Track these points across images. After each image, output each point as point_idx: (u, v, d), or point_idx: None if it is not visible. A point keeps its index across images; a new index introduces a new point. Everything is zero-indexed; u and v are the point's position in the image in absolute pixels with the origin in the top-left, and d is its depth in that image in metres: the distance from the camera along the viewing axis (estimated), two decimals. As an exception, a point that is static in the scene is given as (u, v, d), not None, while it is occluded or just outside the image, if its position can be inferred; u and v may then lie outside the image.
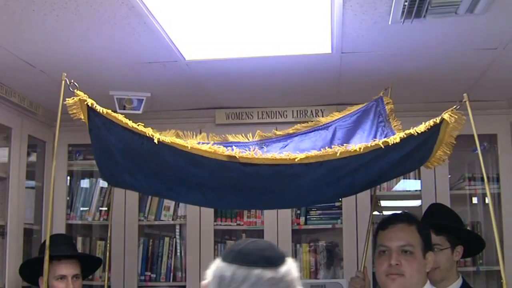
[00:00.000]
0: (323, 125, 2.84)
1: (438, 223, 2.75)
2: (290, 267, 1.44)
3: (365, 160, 2.31)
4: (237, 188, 2.45)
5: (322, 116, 3.21)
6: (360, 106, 2.89)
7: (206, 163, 2.28)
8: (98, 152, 2.56)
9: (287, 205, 3.07)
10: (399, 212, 2.53)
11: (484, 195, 3.90)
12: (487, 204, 3.90)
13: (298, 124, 2.91)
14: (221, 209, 3.81)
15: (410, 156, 2.40)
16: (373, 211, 3.11)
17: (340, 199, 3.84)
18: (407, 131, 2.29)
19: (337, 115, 2.88)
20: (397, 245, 2.29)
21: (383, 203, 3.97)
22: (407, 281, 2.26)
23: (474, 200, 3.95)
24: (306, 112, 3.80)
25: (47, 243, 2.31)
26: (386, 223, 2.38)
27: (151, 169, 2.48)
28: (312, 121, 2.93)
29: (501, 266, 2.34)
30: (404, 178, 3.93)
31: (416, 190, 3.87)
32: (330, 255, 3.96)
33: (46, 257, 2.22)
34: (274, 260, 1.42)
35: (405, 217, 2.40)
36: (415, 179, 3.91)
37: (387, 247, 2.32)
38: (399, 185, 3.96)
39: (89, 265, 3.15)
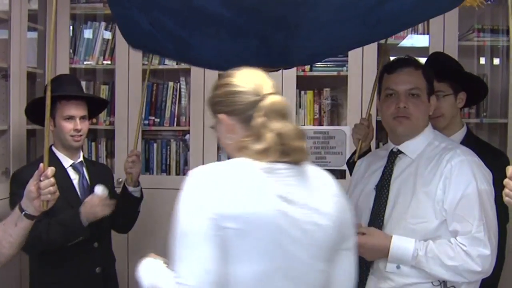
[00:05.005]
0: None
1: (440, 68, 2.71)
2: None
3: None
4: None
5: None
6: None
7: None
8: None
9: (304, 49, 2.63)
10: (403, 57, 2.51)
11: (493, 48, 3.82)
12: (495, 56, 3.90)
13: None
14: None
15: None
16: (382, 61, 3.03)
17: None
18: None
19: None
20: (405, 88, 2.31)
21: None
22: (414, 123, 2.31)
23: (482, 52, 3.89)
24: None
25: (49, 85, 2.26)
26: (393, 66, 2.38)
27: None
28: None
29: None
30: (411, 33, 3.84)
31: (423, 47, 3.77)
32: (335, 103, 3.97)
33: (48, 93, 2.18)
34: None
35: (412, 61, 2.40)
36: (424, 34, 3.82)
37: (395, 90, 2.33)
38: (406, 41, 3.86)
39: (95, 107, 3.14)
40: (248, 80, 1.74)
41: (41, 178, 2.07)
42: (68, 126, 2.87)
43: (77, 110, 2.90)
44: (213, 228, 1.55)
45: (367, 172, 2.51)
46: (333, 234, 1.72)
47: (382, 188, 2.35)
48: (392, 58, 3.73)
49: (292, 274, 1.65)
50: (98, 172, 3.01)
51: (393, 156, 2.39)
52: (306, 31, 2.36)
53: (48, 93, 2.15)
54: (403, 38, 3.85)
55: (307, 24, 2.32)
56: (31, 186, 2.08)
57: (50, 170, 2.08)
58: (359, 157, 2.74)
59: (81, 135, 2.92)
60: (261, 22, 2.31)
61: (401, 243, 2.18)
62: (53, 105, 2.82)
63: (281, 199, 1.62)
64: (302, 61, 2.79)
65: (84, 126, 2.92)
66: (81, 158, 2.99)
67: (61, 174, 2.84)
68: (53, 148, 2.93)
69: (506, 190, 1.83)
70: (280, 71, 3.70)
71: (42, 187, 2.07)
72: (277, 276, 1.63)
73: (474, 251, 2.11)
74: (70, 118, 2.88)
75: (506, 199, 1.84)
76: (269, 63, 2.46)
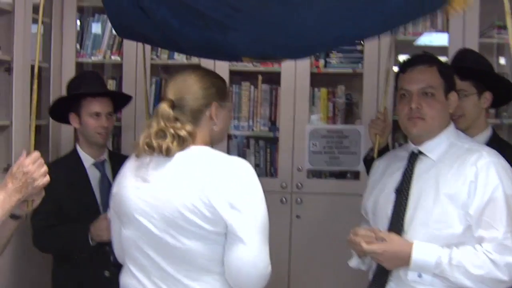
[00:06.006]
0: None
1: (462, 66, 2.60)
2: None
3: None
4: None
5: None
6: None
7: None
8: None
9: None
10: (419, 54, 2.40)
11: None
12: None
13: None
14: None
15: None
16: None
17: (362, 43, 3.65)
18: None
19: None
20: (418, 88, 2.20)
21: (405, 58, 3.72)
22: (429, 124, 2.20)
23: (502, 50, 3.71)
24: None
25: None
26: (405, 65, 2.28)
27: None
28: None
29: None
30: (430, 31, 3.70)
31: (441, 46, 3.64)
32: (349, 101, 3.85)
33: (35, 87, 2.10)
34: None
35: (425, 57, 2.31)
36: (442, 31, 3.68)
37: (407, 90, 2.23)
38: (424, 38, 3.73)
39: (118, 102, 3.12)
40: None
41: None
42: (94, 123, 2.88)
43: (102, 107, 2.90)
44: None
45: (386, 173, 2.39)
46: (175, 210, 1.87)
47: (402, 191, 2.23)
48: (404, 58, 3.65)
49: (149, 242, 1.93)
50: None
51: (414, 157, 2.27)
52: (305, 22, 2.17)
53: (35, 87, 2.07)
54: (420, 35, 3.72)
55: (307, 14, 2.16)
56: None
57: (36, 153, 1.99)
58: (378, 155, 2.64)
59: (107, 132, 2.93)
60: (255, 20, 2.19)
61: (423, 250, 2.07)
62: (77, 103, 2.89)
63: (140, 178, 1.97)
64: (300, 53, 2.65)
65: (110, 122, 2.94)
66: (104, 156, 2.98)
67: (78, 175, 2.90)
68: (77, 147, 2.96)
69: None
70: (294, 67, 3.64)
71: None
72: (141, 241, 1.95)
73: (501, 260, 1.99)
74: (97, 114, 2.88)
75: None
76: (264, 55, 2.40)
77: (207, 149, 1.98)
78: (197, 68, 2.23)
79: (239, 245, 1.85)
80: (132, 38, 2.67)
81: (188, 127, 1.96)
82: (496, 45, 3.68)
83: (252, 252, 1.86)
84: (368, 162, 2.75)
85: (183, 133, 1.94)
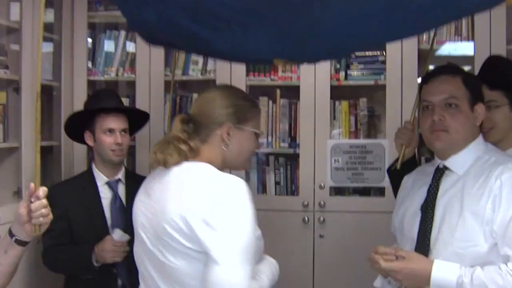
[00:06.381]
0: None
1: (492, 75, 2.47)
2: None
3: None
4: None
5: None
6: None
7: None
8: None
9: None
10: (443, 65, 2.28)
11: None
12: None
13: None
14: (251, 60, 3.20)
15: None
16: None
17: (384, 53, 3.51)
18: None
19: None
20: (440, 99, 2.11)
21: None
22: (453, 137, 2.10)
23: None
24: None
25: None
26: (428, 76, 2.20)
27: None
28: None
29: None
30: (454, 40, 3.53)
31: (466, 56, 3.46)
32: (372, 114, 3.70)
33: (38, 105, 1.98)
34: None
35: (448, 68, 2.20)
36: (468, 40, 3.51)
37: (430, 102, 2.14)
38: (445, 48, 3.55)
39: (136, 122, 3.07)
40: None
41: (32, 200, 1.84)
42: (108, 139, 2.85)
43: (117, 123, 2.87)
44: None
45: (413, 189, 2.29)
46: (161, 226, 1.84)
47: (427, 208, 2.13)
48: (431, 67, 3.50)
49: (147, 257, 1.92)
50: None
51: (439, 172, 2.18)
52: (325, 24, 2.07)
53: (38, 105, 1.91)
54: (442, 43, 3.55)
55: (327, 17, 2.04)
56: (21, 208, 1.86)
57: (42, 191, 1.86)
58: (404, 166, 2.53)
59: (122, 150, 2.87)
60: (274, 15, 2.06)
61: (444, 269, 1.96)
62: (92, 120, 2.86)
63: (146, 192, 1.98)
64: (321, 55, 2.56)
65: (125, 140, 2.89)
66: (120, 176, 2.92)
67: (89, 194, 2.86)
68: (93, 166, 2.93)
69: None
70: (313, 80, 3.53)
71: (33, 209, 1.85)
72: (143, 256, 1.95)
73: None
74: (110, 131, 2.84)
75: None
76: (286, 56, 2.28)
77: (203, 165, 1.92)
78: (227, 86, 2.23)
79: (213, 265, 1.75)
80: (160, 44, 2.60)
81: (193, 143, 1.95)
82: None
83: (226, 274, 1.74)
84: (393, 172, 2.65)
85: (184, 147, 1.92)
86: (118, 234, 2.66)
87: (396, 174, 2.56)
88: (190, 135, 1.97)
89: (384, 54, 3.54)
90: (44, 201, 1.86)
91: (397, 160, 2.62)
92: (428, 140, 2.17)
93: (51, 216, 1.91)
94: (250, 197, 1.83)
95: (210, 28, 2.12)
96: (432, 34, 3.30)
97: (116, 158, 2.86)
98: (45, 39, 3.41)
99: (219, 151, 1.99)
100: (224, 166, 2.00)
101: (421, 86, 2.25)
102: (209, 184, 1.83)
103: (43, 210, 1.86)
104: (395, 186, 2.58)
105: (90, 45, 3.76)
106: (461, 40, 3.54)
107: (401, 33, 2.24)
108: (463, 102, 2.10)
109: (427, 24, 2.26)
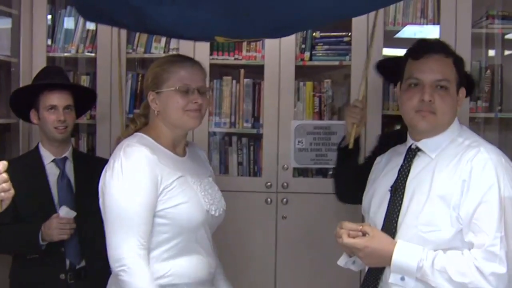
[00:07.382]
0: None
1: None
2: None
3: None
4: None
5: None
6: None
7: None
8: None
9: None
10: (432, 38, 2.22)
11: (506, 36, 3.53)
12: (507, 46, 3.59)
13: None
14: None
15: None
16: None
17: (349, 34, 3.48)
18: None
19: None
20: (432, 79, 2.03)
21: (389, 51, 3.55)
22: (438, 119, 2.04)
23: (495, 41, 3.56)
24: None
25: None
26: (419, 51, 2.08)
27: None
28: None
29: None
30: (420, 23, 3.52)
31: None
32: (336, 95, 3.67)
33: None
34: None
35: (442, 47, 2.11)
36: (433, 23, 3.49)
37: (420, 80, 2.04)
38: (411, 29, 3.54)
39: (83, 99, 3.00)
40: None
41: None
42: (51, 117, 2.78)
43: (59, 100, 2.79)
44: None
45: (385, 170, 2.24)
46: None
47: (397, 190, 2.09)
48: (388, 52, 3.49)
49: None
50: (90, 168, 2.73)
51: (411, 153, 2.13)
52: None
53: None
54: (406, 25, 3.53)
55: None
56: None
57: (2, 165, 1.80)
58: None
59: (65, 127, 2.80)
60: None
61: (406, 251, 1.93)
62: (36, 97, 2.79)
63: None
64: (268, 33, 2.54)
65: (69, 117, 2.82)
66: (66, 154, 2.86)
67: (35, 172, 2.79)
68: (39, 145, 2.87)
69: None
70: (278, 60, 3.49)
71: None
72: None
73: (488, 268, 1.83)
74: (53, 108, 2.78)
75: None
76: (231, 33, 2.31)
77: (132, 136, 2.25)
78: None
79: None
80: (98, 21, 2.55)
81: (144, 116, 2.32)
82: (485, 34, 3.52)
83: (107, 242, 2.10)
84: (342, 150, 2.63)
85: (138, 120, 2.32)
86: (64, 211, 2.63)
87: (346, 153, 2.56)
88: (145, 110, 2.33)
89: (349, 35, 3.51)
90: (5, 175, 1.80)
91: (344, 138, 2.62)
92: (410, 119, 2.08)
93: (12, 191, 1.84)
94: (146, 168, 2.08)
95: (155, 2, 2.08)
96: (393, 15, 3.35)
97: (59, 136, 2.79)
98: (4, 13, 3.31)
99: (156, 118, 2.25)
100: (171, 128, 2.25)
101: (406, 59, 2.13)
102: (115, 153, 2.17)
103: (4, 185, 1.79)
104: (343, 166, 2.62)
105: (49, 21, 3.66)
106: (426, 23, 3.52)
107: (348, 11, 2.19)
108: (452, 85, 2.06)
109: (375, 3, 2.24)
